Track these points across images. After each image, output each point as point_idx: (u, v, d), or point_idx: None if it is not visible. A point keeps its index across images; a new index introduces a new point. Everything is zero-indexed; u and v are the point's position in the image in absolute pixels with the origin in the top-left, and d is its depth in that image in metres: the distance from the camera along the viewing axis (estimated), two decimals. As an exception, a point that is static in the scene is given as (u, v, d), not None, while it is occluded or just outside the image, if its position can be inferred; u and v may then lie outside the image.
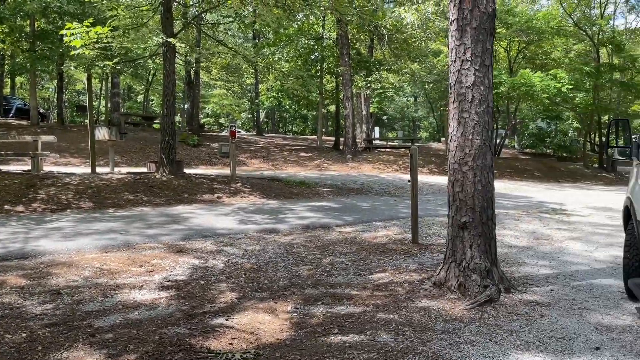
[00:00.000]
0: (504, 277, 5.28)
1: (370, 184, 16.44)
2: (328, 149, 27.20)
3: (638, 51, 30.32)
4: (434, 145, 34.65)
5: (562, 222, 10.03)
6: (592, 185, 23.49)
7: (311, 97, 28.56)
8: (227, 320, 4.28)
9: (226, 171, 15.30)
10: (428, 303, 4.73)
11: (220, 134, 34.59)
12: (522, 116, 35.29)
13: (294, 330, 4.06)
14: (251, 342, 3.81)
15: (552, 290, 5.21)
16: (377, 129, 37.44)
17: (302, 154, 24.71)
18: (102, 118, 34.37)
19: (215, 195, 11.85)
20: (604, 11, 30.31)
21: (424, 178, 19.38)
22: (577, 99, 25.83)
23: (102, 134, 21.24)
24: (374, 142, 29.72)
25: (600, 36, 28.47)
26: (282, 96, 32.44)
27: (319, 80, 26.26)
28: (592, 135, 34.72)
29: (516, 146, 37.45)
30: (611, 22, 30.73)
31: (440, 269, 5.38)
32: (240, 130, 45.22)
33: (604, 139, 33.97)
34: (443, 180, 18.52)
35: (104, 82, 34.98)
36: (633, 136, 5.33)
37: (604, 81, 27.49)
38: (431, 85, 28.61)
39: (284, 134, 51.21)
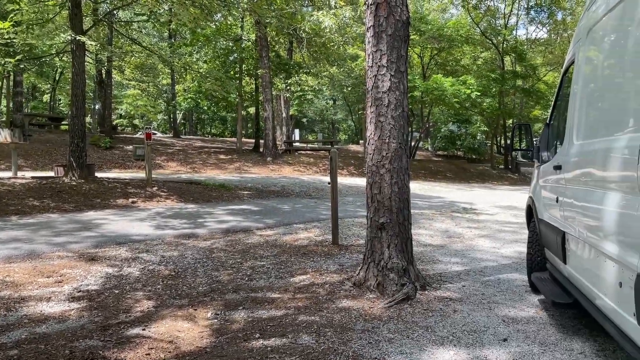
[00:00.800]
0: (419, 275, 5.48)
1: (290, 186, 16.48)
2: (248, 151, 26.96)
3: (538, 60, 32.81)
4: (353, 147, 35.41)
5: (472, 220, 10.60)
6: (499, 185, 25.08)
7: (230, 99, 28.13)
8: (144, 330, 4.09)
9: (141, 175, 14.71)
10: (348, 303, 4.80)
11: (134, 135, 33.20)
12: (435, 119, 37.01)
13: (214, 337, 3.96)
14: (170, 352, 3.67)
15: (464, 286, 5.48)
16: (297, 131, 37.62)
17: (222, 156, 24.30)
18: (4, 119, 31.78)
19: (130, 200, 11.34)
20: (507, 22, 32.51)
21: (343, 180, 19.74)
22: (485, 103, 27.47)
23: (2, 136, 19.61)
24: (294, 144, 29.86)
25: (504, 45, 30.47)
26: (200, 97, 31.71)
27: (238, 81, 25.95)
28: (498, 138, 37.06)
29: (430, 148, 39.15)
30: (514, 32, 32.99)
31: (360, 270, 5.49)
32: (156, 132, 43.62)
33: (508, 141, 36.34)
34: (362, 181, 18.95)
35: (4, 81, 32.34)
36: (534, 140, 5.73)
37: (508, 87, 29.46)
38: (349, 89, 29.23)
39: (203, 136, 50.08)
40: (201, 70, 22.13)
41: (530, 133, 5.49)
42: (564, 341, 3.90)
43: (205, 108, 43.82)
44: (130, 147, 21.52)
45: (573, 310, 4.41)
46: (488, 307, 4.74)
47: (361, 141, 34.98)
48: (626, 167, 2.71)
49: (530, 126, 5.58)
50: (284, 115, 28.51)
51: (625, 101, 3.00)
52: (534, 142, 5.46)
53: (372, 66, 5.27)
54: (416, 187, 18.52)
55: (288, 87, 25.11)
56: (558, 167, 4.25)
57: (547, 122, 5.14)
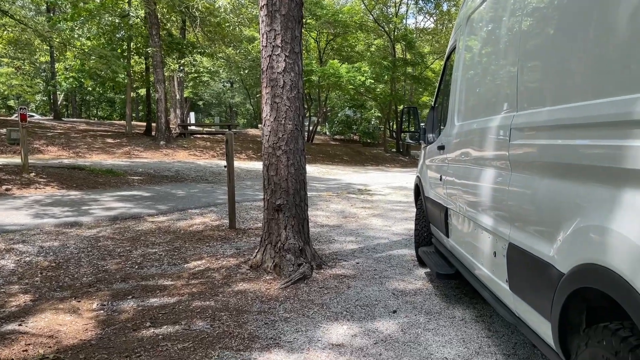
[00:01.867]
0: (316, 254, 5.57)
1: (185, 171, 15.95)
2: (139, 135, 25.61)
3: (426, 49, 34.56)
4: (252, 131, 35.05)
5: (366, 201, 10.98)
6: (391, 168, 26.22)
7: (118, 79, 26.46)
8: (20, 325, 3.76)
9: (17, 160, 13.40)
10: (245, 286, 4.76)
11: (8, 118, 30.17)
12: (332, 104, 37.73)
13: (100, 329, 3.73)
14: (50, 347, 3.40)
15: (357, 263, 5.67)
16: (192, 114, 36.35)
17: (109, 140, 22.86)
18: None
19: (3, 187, 10.29)
20: (398, 10, 33.74)
21: (241, 164, 19.49)
22: (378, 89, 28.45)
23: None
24: (189, 127, 28.86)
25: (395, 33, 31.67)
26: (83, 77, 29.40)
27: (126, 61, 24.45)
28: (391, 123, 38.64)
29: (327, 133, 39.87)
30: (404, 21, 34.36)
31: (257, 252, 5.46)
32: (33, 114, 39.96)
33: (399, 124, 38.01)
34: (261, 166, 18.84)
35: None
36: (421, 123, 6.02)
37: (399, 74, 30.76)
38: (247, 71, 28.80)
39: (88, 119, 46.74)
40: (84, 48, 20.54)
41: (417, 116, 5.76)
42: (447, 310, 4.18)
43: (90, 89, 40.85)
44: (3, 131, 19.51)
45: (455, 281, 4.72)
46: (380, 282, 4.94)
47: (260, 125, 34.66)
48: (499, 145, 2.92)
49: (417, 109, 5.85)
50: (177, 97, 27.38)
51: (499, 86, 3.23)
52: (421, 125, 5.74)
53: (266, 46, 5.20)
54: (314, 170, 18.80)
55: (181, 68, 24.11)
56: (441, 148, 4.51)
57: (433, 105, 5.42)
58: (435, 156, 4.82)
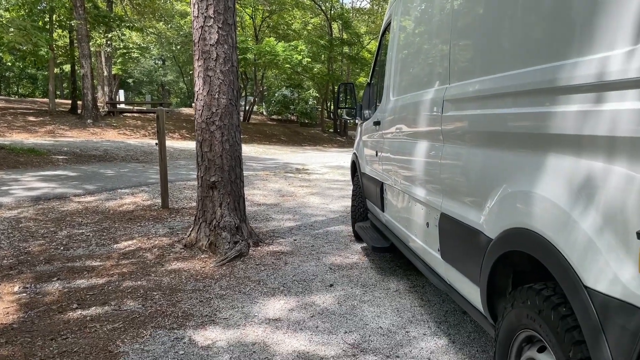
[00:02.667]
0: (253, 232, 5.50)
1: (115, 150, 15.27)
2: (64, 113, 24.19)
3: (362, 29, 34.73)
4: (186, 110, 34.03)
5: (304, 180, 10.98)
6: (329, 148, 26.39)
7: (41, 53, 24.75)
8: None
9: None
10: (179, 265, 4.63)
11: None
12: (269, 84, 37.28)
13: (23, 312, 3.51)
14: (-36, 335, 3.16)
15: (295, 240, 5.66)
16: (122, 92, 34.72)
17: (31, 118, 21.46)
18: None
19: None
20: (334, -11, 33.63)
21: (175, 143, 18.93)
22: (315, 69, 28.36)
23: None
24: (118, 106, 27.61)
25: (332, 12, 31.60)
26: (1, 51, 27.31)
27: (48, 34, 22.87)
28: (328, 104, 38.77)
29: (264, 112, 39.42)
30: (341, 0, 34.33)
31: (191, 231, 5.32)
32: (-56, 89, 36.79)
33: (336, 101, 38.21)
34: (194, 145, 18.38)
35: None
36: (357, 100, 6.04)
37: (336, 54, 30.79)
38: (179, 48, 27.81)
39: (8, 96, 43.61)
40: (1, 20, 19.00)
41: (353, 92, 5.76)
42: (382, 282, 4.26)
43: (10, 64, 38.04)
44: None
45: (390, 254, 4.84)
46: (317, 258, 4.96)
47: (194, 104, 33.75)
48: (432, 118, 2.97)
49: (353, 85, 5.85)
50: (105, 74, 26.02)
51: (433, 61, 3.26)
52: (357, 102, 5.75)
53: (197, 17, 5.00)
54: (251, 150, 18.55)
55: (109, 43, 22.90)
56: (377, 123, 4.54)
57: (369, 81, 5.44)
58: (372, 132, 4.86)
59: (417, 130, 3.41)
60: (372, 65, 5.48)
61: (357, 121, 5.89)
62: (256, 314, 3.54)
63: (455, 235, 2.61)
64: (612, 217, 1.42)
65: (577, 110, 1.61)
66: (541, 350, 1.87)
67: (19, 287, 3.97)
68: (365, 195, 5.28)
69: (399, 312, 3.60)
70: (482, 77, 2.35)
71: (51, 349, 2.96)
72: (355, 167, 5.83)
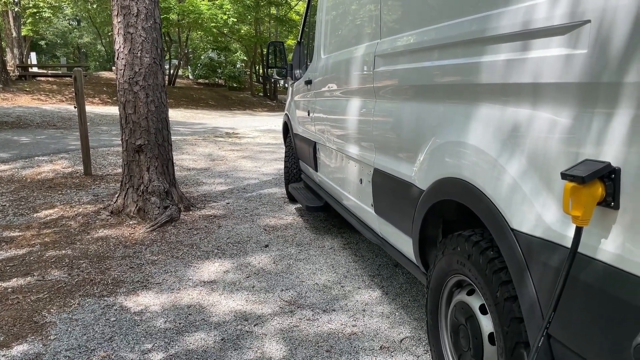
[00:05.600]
0: (183, 197, 5.36)
1: (29, 116, 14.22)
2: (-32, 76, 22.12)
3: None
4: (106, 74, 32.13)
5: (234, 144, 10.79)
6: (259, 112, 25.99)
7: None
8: None
9: None
10: (106, 232, 4.44)
11: None
12: (194, 46, 35.84)
13: None
14: None
15: (228, 203, 5.58)
16: (33, 54, 32.18)
17: None
18: None
19: None
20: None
21: (96, 109, 17.90)
22: (242, 31, 27.53)
23: None
24: (31, 69, 25.60)
25: (258, -28, 30.57)
26: None
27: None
28: (257, 67, 37.97)
29: (190, 76, 38.01)
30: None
31: (117, 197, 5.10)
32: None
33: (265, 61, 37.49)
34: (116, 110, 17.47)
35: None
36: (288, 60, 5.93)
37: (263, 15, 29.95)
38: (95, 7, 25.99)
39: None
40: None
41: (283, 52, 5.64)
42: (317, 240, 4.31)
43: None
44: None
45: (324, 213, 4.90)
46: (251, 220, 4.92)
47: (114, 68, 31.90)
48: (365, 74, 2.97)
49: (283, 44, 5.73)
50: (14, 35, 23.93)
51: (364, 17, 3.24)
52: (288, 62, 5.65)
53: (115, -32, 4.66)
54: (178, 114, 17.89)
55: (16, 1, 20.99)
56: (308, 82, 4.49)
57: (298, 40, 5.35)
58: (303, 92, 4.80)
59: (349, 88, 3.40)
60: (302, 25, 5.39)
61: (287, 82, 5.80)
62: (190, 278, 3.48)
63: (388, 190, 2.67)
64: (537, 161, 1.49)
65: (503, 60, 1.65)
66: (470, 293, 1.97)
67: None
68: (298, 156, 5.27)
69: (334, 268, 3.67)
70: (411, 31, 2.37)
71: (-32, 324, 2.77)
72: (287, 129, 5.77)
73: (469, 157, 1.84)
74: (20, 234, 4.35)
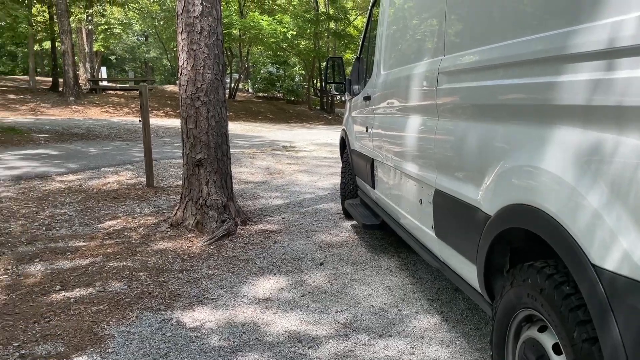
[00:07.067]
0: (240, 210, 5.40)
1: (98, 128, 14.97)
2: (45, 91, 23.64)
3: (348, 4, 34.16)
4: (170, 87, 33.45)
5: (291, 157, 10.86)
6: (316, 125, 26.18)
7: (20, 29, 24.01)
8: None
9: None
10: (165, 245, 4.53)
11: None
12: (254, 61, 36.69)
13: (4, 295, 3.39)
14: (-58, 320, 3.04)
15: (283, 218, 5.58)
16: (104, 69, 34.01)
17: (12, 96, 20.94)
18: None
19: None
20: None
21: (159, 121, 18.62)
22: (301, 45, 27.93)
23: None
24: (101, 83, 27.02)
25: (318, -14, 30.99)
26: (-23, 26, 26.45)
27: (27, 9, 22.16)
28: (315, 81, 38.37)
29: (250, 90, 38.95)
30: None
31: (177, 209, 5.20)
32: None
33: (323, 76, 37.78)
34: (179, 123, 18.08)
35: None
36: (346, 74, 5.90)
37: (322, 30, 30.30)
38: (162, 23, 27.15)
39: (-14, 73, 42.48)
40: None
41: (342, 67, 5.61)
42: (372, 260, 4.21)
43: (-13, 40, 36.97)
44: None
45: (381, 232, 4.78)
46: (306, 236, 4.89)
47: (177, 82, 33.15)
48: (426, 91, 2.87)
49: (342, 60, 5.70)
50: (87, 50, 25.37)
51: (426, 32, 3.15)
52: (346, 77, 5.62)
53: (181, -13, 4.80)
54: (237, 127, 18.31)
55: (90, 18, 22.27)
56: (367, 98, 4.43)
57: (357, 56, 5.30)
58: (361, 108, 4.74)
59: (409, 105, 3.30)
60: (361, 40, 5.34)
61: (345, 97, 5.76)
62: (245, 294, 3.46)
63: (450, 212, 2.54)
64: (623, 191, 1.34)
65: (584, 80, 1.52)
66: (542, 329, 1.81)
67: (0, 269, 3.85)
68: (355, 172, 5.20)
69: (391, 290, 3.55)
70: (480, 47, 2.25)
71: (34, 332, 2.86)
72: (344, 144, 5.72)
73: (544, 184, 1.70)
74: (85, 244, 4.51)
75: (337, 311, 3.20)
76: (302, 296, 3.44)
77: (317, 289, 3.57)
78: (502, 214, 1.96)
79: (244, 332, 2.91)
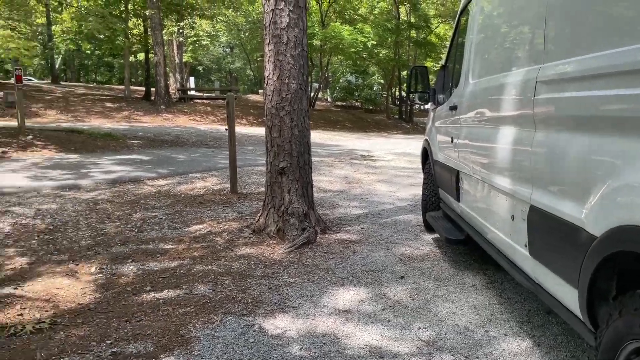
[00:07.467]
0: (320, 219, 5.42)
1: (186, 135, 15.72)
2: (138, 99, 25.24)
3: (431, 12, 33.65)
4: (252, 97, 34.57)
5: (370, 167, 10.80)
6: (394, 134, 25.94)
7: (117, 42, 25.86)
8: (15, 289, 3.64)
9: (13, 123, 13.16)
10: (248, 250, 4.63)
11: (6, 81, 29.73)
12: (334, 70, 37.08)
13: (99, 293, 3.61)
14: (47, 311, 3.28)
15: (362, 228, 5.53)
16: (192, 79, 35.77)
17: (109, 104, 22.54)
18: None
19: (0, 149, 10.10)
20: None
21: (243, 129, 19.24)
22: (381, 54, 27.84)
23: None
24: (189, 92, 28.44)
25: (399, -5, 30.77)
26: (81, 39, 28.78)
27: (124, 23, 23.84)
28: (393, 90, 38.10)
29: (329, 99, 39.39)
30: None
31: (260, 216, 5.31)
32: (31, 78, 39.44)
33: (403, 93, 37.43)
34: (261, 131, 18.57)
35: None
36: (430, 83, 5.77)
37: (403, 38, 30.05)
38: (247, 34, 28.13)
39: (87, 83, 46.12)
40: (81, 8, 19.98)
41: (426, 76, 5.49)
42: (456, 276, 4.05)
43: (89, 52, 40.17)
44: (1, 94, 19.18)
45: (464, 247, 4.60)
46: (386, 248, 4.80)
47: (260, 91, 34.21)
48: (522, 101, 2.71)
49: (427, 69, 5.58)
50: (177, 61, 26.84)
51: (522, 39, 2.99)
52: (430, 86, 5.49)
53: (269, 0, 4.92)
54: (316, 136, 18.53)
55: (181, 30, 23.55)
56: (453, 108, 4.29)
57: (444, 64, 5.17)
58: (446, 117, 4.61)
59: (502, 115, 3.15)
60: (448, 48, 5.20)
61: (429, 106, 5.64)
62: (326, 304, 3.45)
63: (547, 231, 2.38)
64: None
65: None
66: (657, 365, 1.64)
67: (96, 268, 4.10)
68: (438, 183, 5.05)
69: (477, 309, 3.39)
70: (587, 54, 2.09)
71: (125, 330, 3.01)
72: (426, 154, 5.59)
73: (664, 204, 1.53)
74: (173, 246, 4.71)
75: (420, 328, 3.10)
76: (382, 310, 3.37)
77: (398, 303, 3.49)
78: (610, 235, 1.80)
79: (324, 343, 2.88)
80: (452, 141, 4.33)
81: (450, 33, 5.02)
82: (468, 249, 4.63)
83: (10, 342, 2.85)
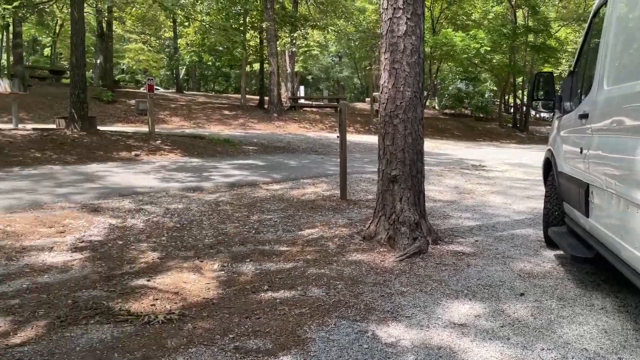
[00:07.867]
0: (432, 229, 5.32)
1: (296, 142, 16.25)
2: (252, 107, 26.57)
3: (551, 15, 31.69)
4: (359, 105, 34.88)
5: (482, 177, 10.40)
6: (507, 144, 24.74)
7: (235, 53, 27.48)
8: (148, 281, 3.99)
9: (144, 129, 14.50)
10: (359, 257, 4.67)
11: (137, 90, 32.77)
12: (442, 77, 36.24)
13: (221, 289, 3.84)
14: (176, 303, 3.56)
15: (476, 240, 5.33)
16: (302, 87, 36.94)
17: (226, 112, 23.97)
18: (6, 72, 31.19)
19: (133, 153, 11.17)
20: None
21: (350, 137, 19.36)
22: (495, 60, 26.73)
23: (2, 86, 19.35)
24: (299, 101, 29.38)
25: (517, -2, 29.37)
26: (203, 51, 30.99)
27: (242, 35, 25.27)
28: (507, 97, 36.37)
29: (436, 107, 38.53)
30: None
31: (370, 223, 5.34)
32: (158, 87, 43.05)
33: (518, 100, 35.57)
34: (368, 139, 18.68)
35: (4, 32, 31.59)
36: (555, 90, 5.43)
37: (519, 43, 28.58)
38: (357, 43, 28.44)
39: (206, 92, 49.42)
40: (205, 22, 21.49)
41: (552, 83, 5.18)
42: (583, 297, 3.76)
43: (209, 63, 43.06)
44: (132, 102, 21.22)
45: (591, 266, 4.26)
46: (502, 262, 4.59)
47: (367, 99, 34.36)
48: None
49: (552, 75, 5.26)
50: (288, 71, 27.91)
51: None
52: (556, 93, 5.18)
53: (387, 8, 4.96)
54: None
55: (293, 41, 24.43)
56: (584, 116, 4.00)
57: (572, 70, 4.85)
58: (575, 126, 4.31)
59: (643, 125, 2.88)
60: (577, 53, 4.88)
61: (554, 114, 5.31)
62: (440, 316, 3.37)
63: (702, 253, 2.13)
64: None
65: None
66: None
67: (218, 265, 4.37)
68: (562, 197, 4.73)
69: (608, 334, 3.13)
70: None
71: (246, 327, 3.17)
72: (549, 166, 5.26)
73: None
74: (288, 249, 4.89)
75: (543, 349, 2.92)
76: (501, 327, 3.22)
77: (518, 321, 3.31)
78: None
79: (440, 356, 2.82)
80: (581, 152, 4.04)
81: (573, 36, 4.70)
82: (595, 269, 4.29)
83: (144, 330, 3.13)
